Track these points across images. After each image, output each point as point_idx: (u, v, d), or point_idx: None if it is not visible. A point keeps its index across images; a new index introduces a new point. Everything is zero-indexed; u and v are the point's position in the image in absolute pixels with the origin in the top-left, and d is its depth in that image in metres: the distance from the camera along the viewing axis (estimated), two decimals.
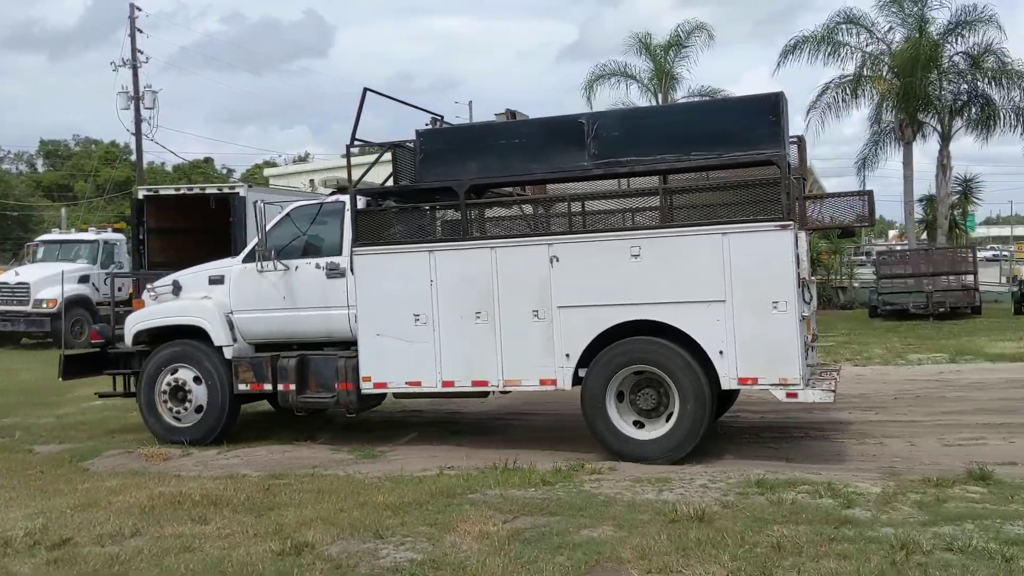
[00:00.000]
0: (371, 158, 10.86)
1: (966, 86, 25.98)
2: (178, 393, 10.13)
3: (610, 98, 26.38)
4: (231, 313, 9.99)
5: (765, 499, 6.69)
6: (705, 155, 8.43)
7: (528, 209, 9.72)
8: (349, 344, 9.53)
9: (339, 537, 6.14)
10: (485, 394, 9.41)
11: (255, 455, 9.57)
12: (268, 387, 9.77)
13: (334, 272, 9.57)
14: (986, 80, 25.34)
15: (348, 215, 9.44)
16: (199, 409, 10.06)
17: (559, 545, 5.76)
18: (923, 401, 11.41)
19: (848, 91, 26.46)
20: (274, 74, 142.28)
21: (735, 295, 8.05)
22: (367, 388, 9.34)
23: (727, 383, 8.19)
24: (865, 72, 26.07)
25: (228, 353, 9.94)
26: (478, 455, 8.98)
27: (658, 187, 8.88)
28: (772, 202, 8.06)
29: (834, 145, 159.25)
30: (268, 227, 9.80)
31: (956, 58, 25.74)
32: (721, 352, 8.12)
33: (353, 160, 9.68)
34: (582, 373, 8.58)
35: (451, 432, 10.66)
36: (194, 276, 10.56)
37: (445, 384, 9.07)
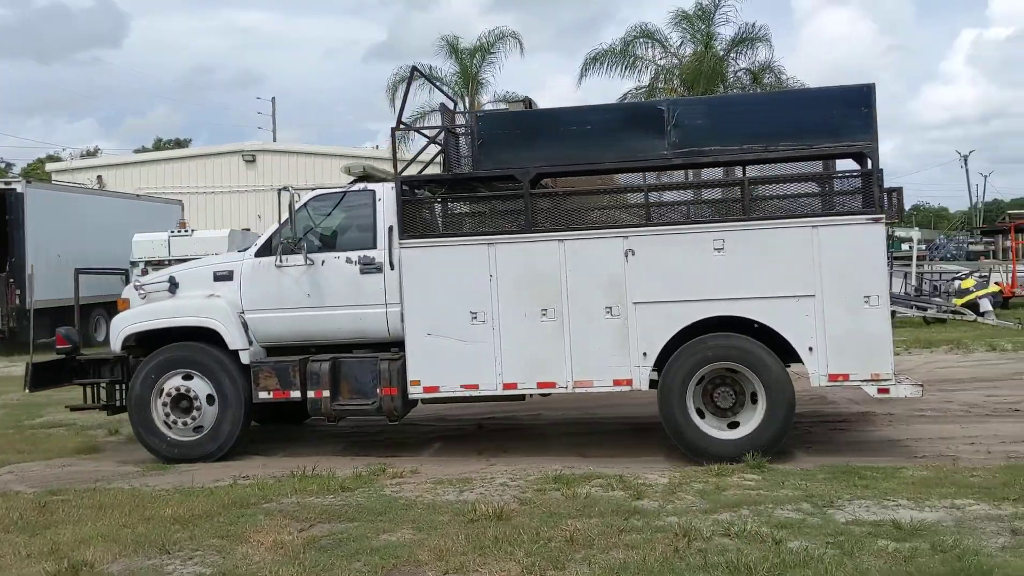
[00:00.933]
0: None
1: None
2: (181, 403, 8.96)
3: (415, 100, 26.46)
4: (242, 313, 9.00)
5: (561, 494, 6.87)
6: (793, 146, 8.23)
7: (599, 200, 9.06)
8: (384, 345, 8.85)
9: (121, 554, 5.80)
10: (522, 397, 8.88)
11: (29, 470, 8.89)
12: (295, 394, 8.80)
13: (369, 267, 8.79)
14: None
15: (381, 205, 8.82)
16: (203, 425, 8.96)
17: (356, 551, 5.69)
18: None
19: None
20: (62, 64, 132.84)
21: (825, 290, 7.89)
22: (416, 392, 8.62)
23: (817, 380, 8.00)
24: (659, 84, 27.41)
25: (245, 358, 8.93)
26: (276, 463, 8.72)
27: (743, 178, 8.53)
28: (864, 195, 8.01)
29: None
30: (284, 218, 9.01)
31: (740, 73, 27.56)
32: (811, 348, 7.92)
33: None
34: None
35: (248, 440, 10.27)
36: (194, 272, 9.53)
37: (506, 386, 8.47)
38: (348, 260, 8.80)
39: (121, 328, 9.20)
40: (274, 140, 44.79)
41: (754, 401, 8.11)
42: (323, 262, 8.81)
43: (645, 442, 9.36)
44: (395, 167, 8.81)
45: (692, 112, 8.44)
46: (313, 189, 9.24)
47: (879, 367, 7.86)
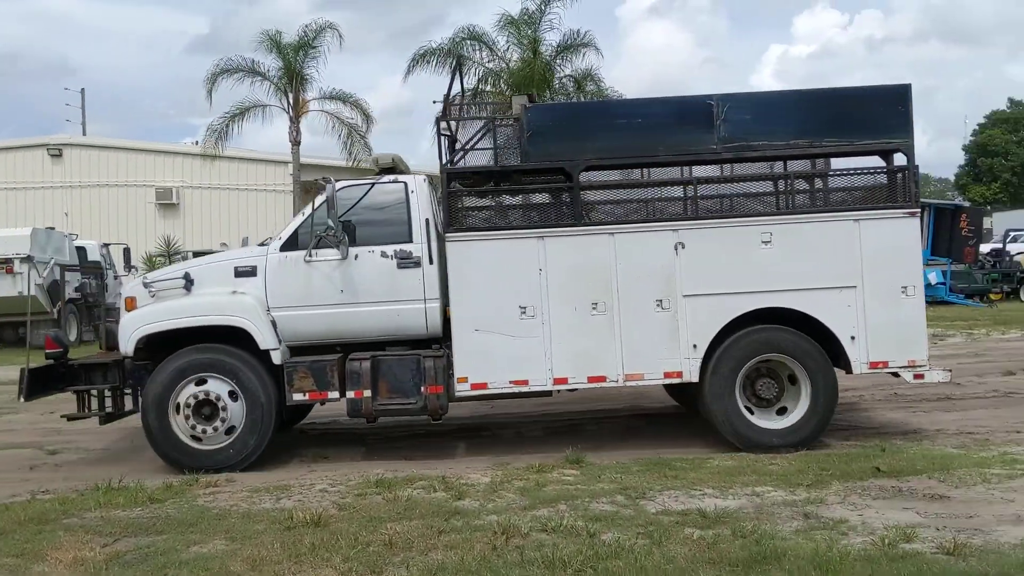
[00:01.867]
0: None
1: None
2: (203, 409, 8.21)
3: (235, 94, 25.58)
4: (268, 310, 8.36)
5: (382, 498, 6.81)
6: (836, 142, 8.41)
7: (649, 193, 8.91)
8: (417, 342, 8.44)
9: None
10: (549, 393, 8.61)
11: None
12: (334, 395, 8.29)
13: (407, 261, 8.35)
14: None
15: (415, 197, 8.48)
16: (231, 429, 8.25)
17: (164, 565, 5.43)
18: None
19: (472, 104, 27.91)
20: None
21: (866, 281, 8.16)
22: (463, 390, 8.30)
23: (858, 368, 8.23)
24: (487, 87, 27.66)
25: (277, 358, 8.29)
26: (79, 475, 8.22)
27: (789, 172, 8.69)
28: (901, 189, 8.29)
29: None
30: (307, 212, 8.47)
31: (565, 80, 28.20)
32: (853, 338, 8.17)
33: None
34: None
35: (48, 451, 9.64)
36: (212, 268, 8.77)
37: (557, 381, 8.27)
38: (384, 254, 8.41)
39: (134, 329, 8.40)
40: (83, 134, 42.18)
41: (795, 397, 8.33)
42: (356, 256, 8.38)
43: (469, 443, 9.44)
44: (440, 157, 8.59)
45: (741, 107, 8.48)
46: (336, 180, 8.54)
47: (915, 354, 8.27)
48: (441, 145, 8.64)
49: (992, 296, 26.34)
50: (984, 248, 28.64)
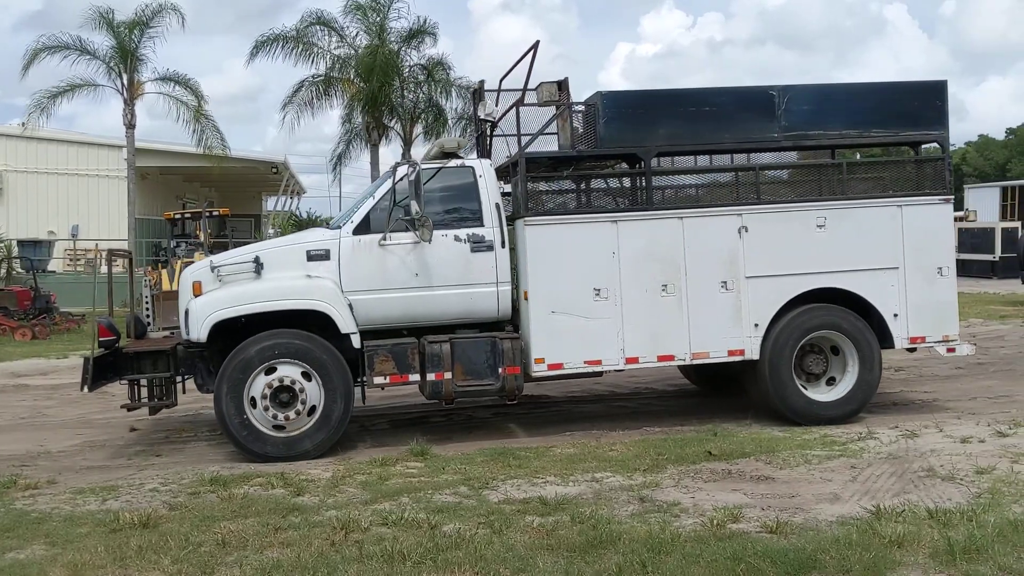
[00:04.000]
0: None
1: (423, 95, 28.40)
2: (281, 395, 7.95)
3: (61, 71, 23.92)
4: (344, 294, 8.21)
5: (216, 496, 6.58)
6: (883, 133, 9.09)
7: (715, 178, 9.26)
8: (488, 325, 8.54)
9: None
10: (600, 374, 8.97)
11: None
12: (414, 377, 8.29)
13: (480, 245, 8.39)
14: (438, 90, 27.98)
15: (483, 181, 8.55)
16: (311, 412, 8.03)
17: None
18: None
19: (321, 90, 27.30)
20: None
21: (907, 262, 8.78)
22: (540, 371, 8.45)
23: (900, 343, 8.87)
24: (335, 74, 27.13)
25: (356, 341, 8.14)
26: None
27: (843, 161, 9.28)
28: (938, 178, 8.95)
29: (314, 142, 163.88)
30: (377, 196, 8.46)
31: (415, 68, 28.00)
32: (895, 315, 8.78)
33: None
34: None
35: None
36: (283, 251, 8.62)
37: (629, 361, 8.53)
38: (457, 238, 8.42)
39: (208, 314, 8.04)
40: None
41: (842, 373, 8.84)
42: (430, 240, 8.26)
43: None
44: (519, 143, 8.75)
45: (799, 98, 8.89)
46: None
47: (949, 329, 8.97)
48: (520, 128, 8.87)
49: None
50: None
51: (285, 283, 8.32)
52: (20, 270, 24.49)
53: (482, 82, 9.71)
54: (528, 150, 8.70)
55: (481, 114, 9.47)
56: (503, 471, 7.12)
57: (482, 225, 8.51)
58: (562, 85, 9.13)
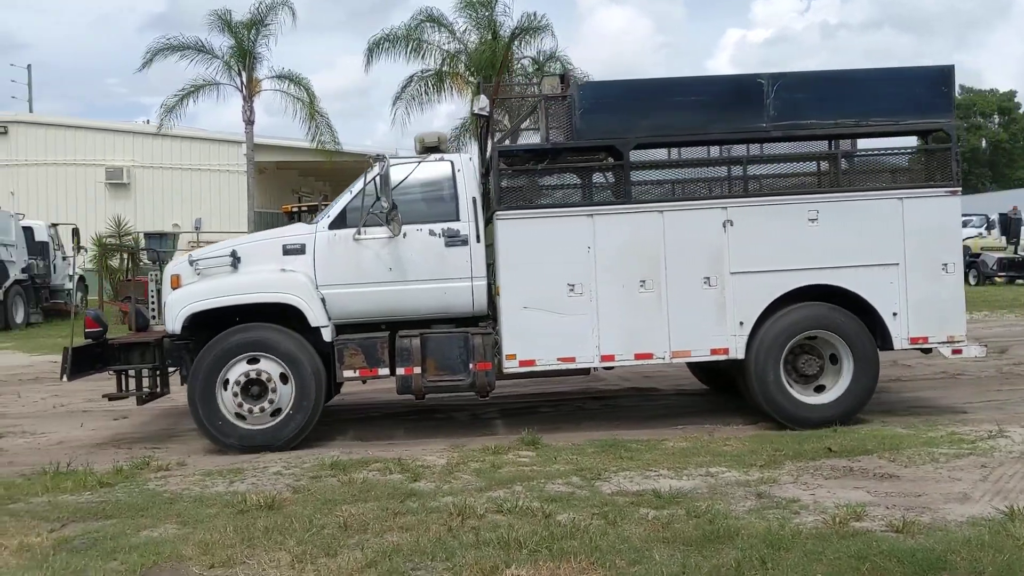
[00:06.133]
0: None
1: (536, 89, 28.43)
2: (252, 388, 8.14)
3: (182, 69, 24.96)
4: (317, 288, 8.32)
5: (337, 480, 6.76)
6: (882, 121, 8.48)
7: (698, 171, 8.88)
8: (462, 320, 8.48)
9: None
10: (587, 371, 8.73)
11: None
12: (384, 371, 8.30)
13: (454, 240, 8.38)
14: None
15: (461, 176, 8.50)
16: (275, 414, 8.19)
17: (113, 550, 5.32)
18: None
19: (431, 85, 27.69)
20: None
21: (908, 258, 8.29)
22: (511, 367, 8.29)
23: (900, 343, 8.35)
24: (445, 69, 27.45)
25: (327, 335, 8.25)
26: (24, 460, 8.05)
27: (836, 151, 8.77)
28: (943, 169, 8.41)
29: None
30: (354, 191, 8.48)
31: (525, 61, 28.08)
32: (895, 314, 8.30)
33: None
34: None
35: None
36: (260, 245, 8.75)
37: (604, 358, 8.29)
38: (432, 232, 8.42)
39: (183, 306, 8.29)
40: (30, 111, 41.17)
41: (836, 374, 8.41)
42: (405, 235, 8.35)
43: (424, 425, 9.42)
44: (491, 137, 8.59)
45: (789, 86, 8.50)
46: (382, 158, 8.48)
47: (954, 329, 8.42)
48: (491, 125, 8.72)
49: None
50: None
51: (258, 276, 8.46)
52: (147, 261, 25.65)
53: (478, 79, 9.67)
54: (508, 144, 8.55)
55: (475, 109, 9.44)
56: (614, 463, 7.09)
57: (458, 220, 8.46)
58: (564, 78, 9.13)
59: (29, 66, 48.88)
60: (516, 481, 6.58)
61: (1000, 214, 29.76)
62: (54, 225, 25.92)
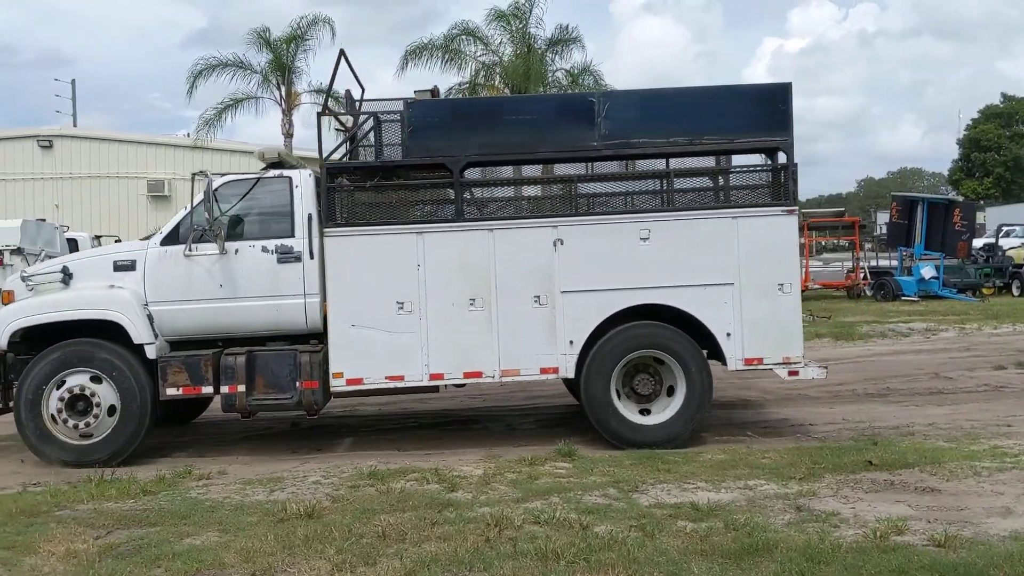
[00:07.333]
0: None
1: None
2: (77, 404, 8.23)
3: (222, 85, 25.35)
4: (147, 305, 8.34)
5: (375, 490, 6.82)
6: (716, 140, 8.43)
7: (530, 190, 9.03)
8: (299, 338, 8.44)
9: None
10: (436, 389, 8.68)
11: None
12: (207, 390, 8.29)
13: (287, 256, 8.34)
14: None
15: (299, 192, 8.43)
16: (112, 411, 8.29)
17: (157, 556, 5.42)
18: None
19: (467, 96, 27.90)
20: None
21: (743, 278, 8.25)
22: (338, 385, 8.29)
23: (733, 364, 8.31)
24: (480, 80, 27.64)
25: (151, 352, 8.28)
26: (70, 468, 8.18)
27: (668, 170, 8.67)
28: (779, 188, 8.38)
29: None
30: (189, 207, 8.40)
31: (559, 74, 28.20)
32: (729, 334, 8.26)
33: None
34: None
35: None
36: (91, 261, 8.82)
37: (433, 377, 8.30)
38: (264, 249, 8.39)
39: (9, 322, 8.36)
40: (74, 125, 41.97)
41: (670, 394, 8.39)
42: (236, 251, 8.35)
43: (460, 435, 9.45)
44: (320, 152, 8.47)
45: (621, 105, 8.50)
46: (224, 175, 8.66)
47: (791, 351, 8.34)
48: (321, 138, 8.54)
49: (984, 291, 26.41)
50: (977, 243, 28.72)
51: (83, 293, 8.45)
52: None
53: (348, 91, 9.51)
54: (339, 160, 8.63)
55: (335, 125, 9.38)
56: (651, 475, 7.08)
57: (292, 236, 8.40)
58: (434, 93, 9.06)
59: (73, 81, 49.89)
60: (552, 492, 6.59)
61: None
62: (97, 237, 26.31)
